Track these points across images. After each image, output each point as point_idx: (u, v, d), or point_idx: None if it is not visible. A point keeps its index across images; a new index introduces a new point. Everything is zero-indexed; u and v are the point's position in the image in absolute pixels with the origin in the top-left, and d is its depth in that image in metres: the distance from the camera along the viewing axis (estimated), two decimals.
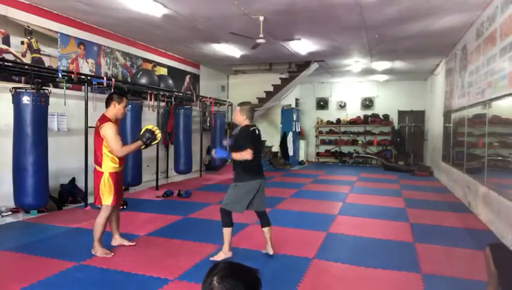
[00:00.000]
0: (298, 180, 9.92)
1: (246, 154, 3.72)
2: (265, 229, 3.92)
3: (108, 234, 4.22)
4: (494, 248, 2.47)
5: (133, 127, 7.00)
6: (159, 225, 5.16)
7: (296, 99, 14.87)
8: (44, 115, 5.29)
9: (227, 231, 3.80)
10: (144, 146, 3.99)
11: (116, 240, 4.23)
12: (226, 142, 4.46)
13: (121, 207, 5.97)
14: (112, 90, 6.18)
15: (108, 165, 3.89)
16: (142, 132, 4.00)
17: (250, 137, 3.84)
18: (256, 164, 3.88)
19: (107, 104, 4.01)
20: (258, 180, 3.86)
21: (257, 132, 3.93)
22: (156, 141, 4.04)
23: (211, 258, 3.72)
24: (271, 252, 3.91)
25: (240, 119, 3.95)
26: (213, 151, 3.88)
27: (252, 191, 3.82)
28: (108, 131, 3.82)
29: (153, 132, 4.00)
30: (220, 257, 3.72)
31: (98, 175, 3.91)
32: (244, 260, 3.99)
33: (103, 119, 3.92)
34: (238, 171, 3.86)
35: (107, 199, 3.89)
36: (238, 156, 3.75)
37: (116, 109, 3.98)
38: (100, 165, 3.91)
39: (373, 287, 3.35)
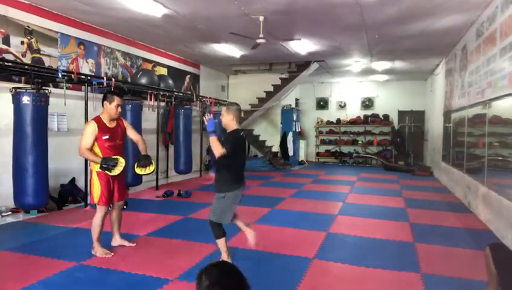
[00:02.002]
0: (298, 180, 9.91)
1: (219, 149, 3.49)
2: (241, 224, 3.86)
3: (109, 234, 4.22)
4: (494, 248, 2.47)
5: (133, 127, 7.00)
6: (159, 225, 5.16)
7: (296, 99, 14.87)
8: (44, 115, 5.29)
9: (221, 242, 3.67)
10: (98, 167, 3.84)
11: (116, 241, 4.23)
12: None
13: (123, 207, 5.99)
14: (112, 90, 6.18)
15: (96, 165, 3.89)
16: (110, 157, 3.85)
17: (234, 140, 3.64)
18: (240, 171, 3.75)
19: (102, 104, 4.02)
20: (241, 188, 3.74)
21: (244, 137, 3.79)
22: (110, 173, 3.84)
23: None
24: (252, 236, 3.79)
25: (227, 119, 3.71)
26: (207, 116, 3.71)
27: (237, 199, 3.71)
28: (84, 128, 3.90)
29: (116, 163, 3.83)
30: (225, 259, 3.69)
31: (90, 173, 3.98)
32: (244, 260, 3.99)
33: (93, 118, 3.99)
34: (223, 179, 3.65)
35: (95, 197, 3.91)
36: (214, 143, 3.51)
37: (108, 109, 3.95)
38: (90, 163, 3.97)
39: (373, 287, 3.35)
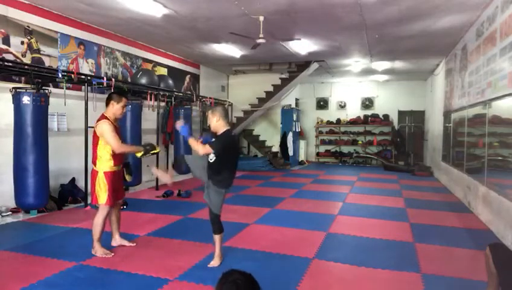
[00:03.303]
0: (298, 180, 9.91)
1: (201, 149, 3.53)
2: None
3: (109, 235, 4.22)
4: (494, 248, 2.48)
5: (133, 127, 7.01)
6: (159, 225, 5.16)
7: (296, 99, 14.87)
8: (45, 115, 5.29)
9: (220, 238, 3.73)
10: (142, 152, 4.04)
11: (116, 241, 4.23)
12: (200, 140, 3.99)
13: (121, 207, 5.99)
14: (112, 90, 6.18)
15: (103, 165, 3.89)
16: (145, 143, 4.14)
17: (224, 141, 3.62)
18: (234, 171, 3.79)
19: (107, 104, 4.01)
20: (230, 188, 3.81)
21: (236, 136, 3.83)
22: (154, 152, 4.12)
23: (209, 265, 3.67)
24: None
25: (213, 121, 3.64)
26: (178, 124, 3.79)
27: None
28: (104, 128, 3.83)
29: (154, 146, 4.17)
30: (217, 262, 3.69)
31: (94, 174, 3.94)
32: (244, 260, 4.00)
33: (100, 118, 3.94)
34: (221, 177, 3.66)
35: (102, 198, 3.88)
36: (193, 144, 3.56)
37: (114, 109, 3.96)
38: (95, 164, 3.93)
39: (373, 287, 3.35)
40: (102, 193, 3.88)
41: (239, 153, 3.82)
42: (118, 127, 4.11)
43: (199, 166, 3.78)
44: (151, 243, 4.37)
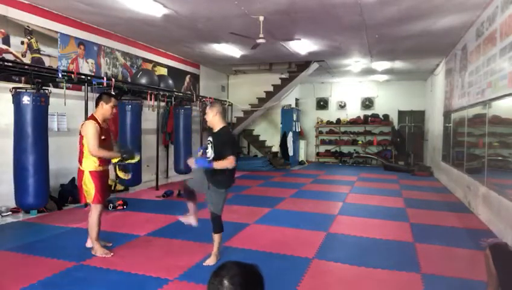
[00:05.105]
0: (298, 180, 9.91)
1: (228, 163, 3.53)
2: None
3: (107, 234, 4.22)
4: (494, 248, 2.47)
5: (133, 127, 7.01)
6: (159, 225, 5.16)
7: (296, 99, 14.87)
8: (45, 115, 5.28)
9: (219, 237, 3.77)
10: (119, 158, 3.96)
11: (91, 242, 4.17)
12: (200, 153, 4.05)
13: (121, 207, 6.00)
14: (112, 90, 6.19)
15: (88, 164, 3.88)
16: (124, 149, 4.00)
17: (231, 141, 3.72)
18: (234, 171, 3.79)
19: (96, 104, 4.00)
20: (230, 187, 3.84)
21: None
22: (131, 161, 4.02)
23: (204, 264, 3.68)
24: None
25: (211, 116, 3.73)
26: (191, 161, 3.73)
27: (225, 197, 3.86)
28: (88, 129, 3.81)
29: (133, 155, 4.06)
30: (213, 261, 3.70)
31: (80, 174, 3.93)
32: (244, 260, 3.98)
33: (89, 118, 3.97)
34: (224, 176, 3.69)
35: (91, 197, 3.88)
36: (220, 165, 3.54)
37: (103, 109, 3.95)
38: (81, 163, 3.92)
39: (373, 287, 3.35)
40: (90, 192, 3.88)
41: (239, 150, 3.85)
42: (108, 128, 4.10)
43: (203, 181, 3.76)
44: (151, 243, 4.37)
